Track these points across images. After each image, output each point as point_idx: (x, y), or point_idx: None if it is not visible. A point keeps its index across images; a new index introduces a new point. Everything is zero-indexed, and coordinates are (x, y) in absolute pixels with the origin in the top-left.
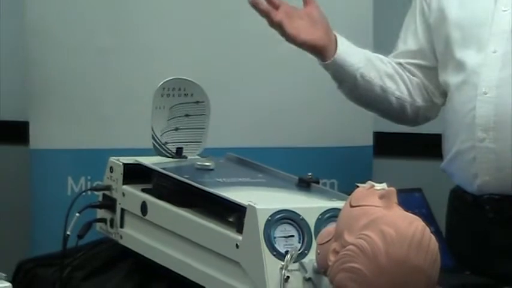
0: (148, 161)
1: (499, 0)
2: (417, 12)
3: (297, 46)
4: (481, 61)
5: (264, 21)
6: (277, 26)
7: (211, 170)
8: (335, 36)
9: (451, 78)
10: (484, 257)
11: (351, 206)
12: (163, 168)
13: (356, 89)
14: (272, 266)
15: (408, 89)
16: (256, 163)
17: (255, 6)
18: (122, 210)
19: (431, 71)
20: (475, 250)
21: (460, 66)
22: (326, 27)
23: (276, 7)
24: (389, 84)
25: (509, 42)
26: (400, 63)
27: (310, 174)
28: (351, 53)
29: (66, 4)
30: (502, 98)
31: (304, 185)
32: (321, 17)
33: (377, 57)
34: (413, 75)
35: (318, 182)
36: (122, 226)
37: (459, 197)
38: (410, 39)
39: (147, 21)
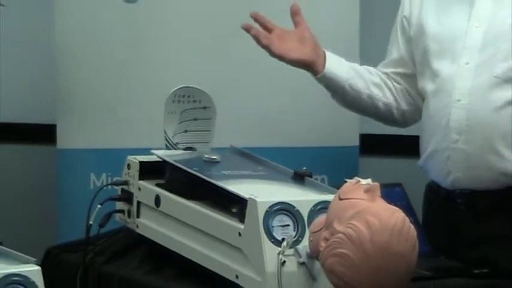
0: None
1: (472, 17)
2: (398, 28)
3: (286, 63)
4: (454, 71)
5: None
6: (265, 48)
7: (218, 162)
8: (324, 52)
9: (428, 86)
10: (456, 245)
11: (340, 199)
12: (175, 160)
13: (346, 98)
14: (270, 251)
15: (394, 95)
16: (256, 156)
17: (247, 30)
18: (138, 202)
19: (413, 79)
20: (448, 238)
21: (435, 75)
22: (314, 45)
23: (269, 30)
24: (376, 92)
25: (481, 55)
26: (386, 73)
27: (304, 168)
28: (339, 67)
29: (89, 22)
30: (473, 104)
31: (299, 178)
32: (310, 36)
33: (365, 69)
34: (398, 83)
35: (311, 176)
36: (138, 216)
37: (434, 191)
38: (394, 51)
39: (160, 36)
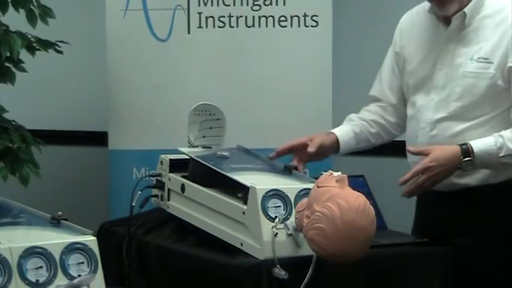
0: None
1: (437, 61)
2: (391, 66)
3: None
4: (424, 104)
5: (258, 72)
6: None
7: (228, 158)
8: (335, 137)
9: (408, 111)
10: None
11: (318, 187)
12: (196, 156)
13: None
14: (266, 225)
15: (377, 136)
16: (256, 153)
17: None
18: (168, 189)
19: (393, 108)
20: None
21: (412, 104)
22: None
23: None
24: (369, 143)
25: (441, 94)
26: (365, 120)
27: (291, 163)
28: (348, 142)
29: (132, 55)
30: (434, 132)
31: (288, 171)
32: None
33: (360, 129)
34: (374, 123)
35: (296, 169)
36: (168, 200)
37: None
38: (385, 83)
39: (184, 65)
